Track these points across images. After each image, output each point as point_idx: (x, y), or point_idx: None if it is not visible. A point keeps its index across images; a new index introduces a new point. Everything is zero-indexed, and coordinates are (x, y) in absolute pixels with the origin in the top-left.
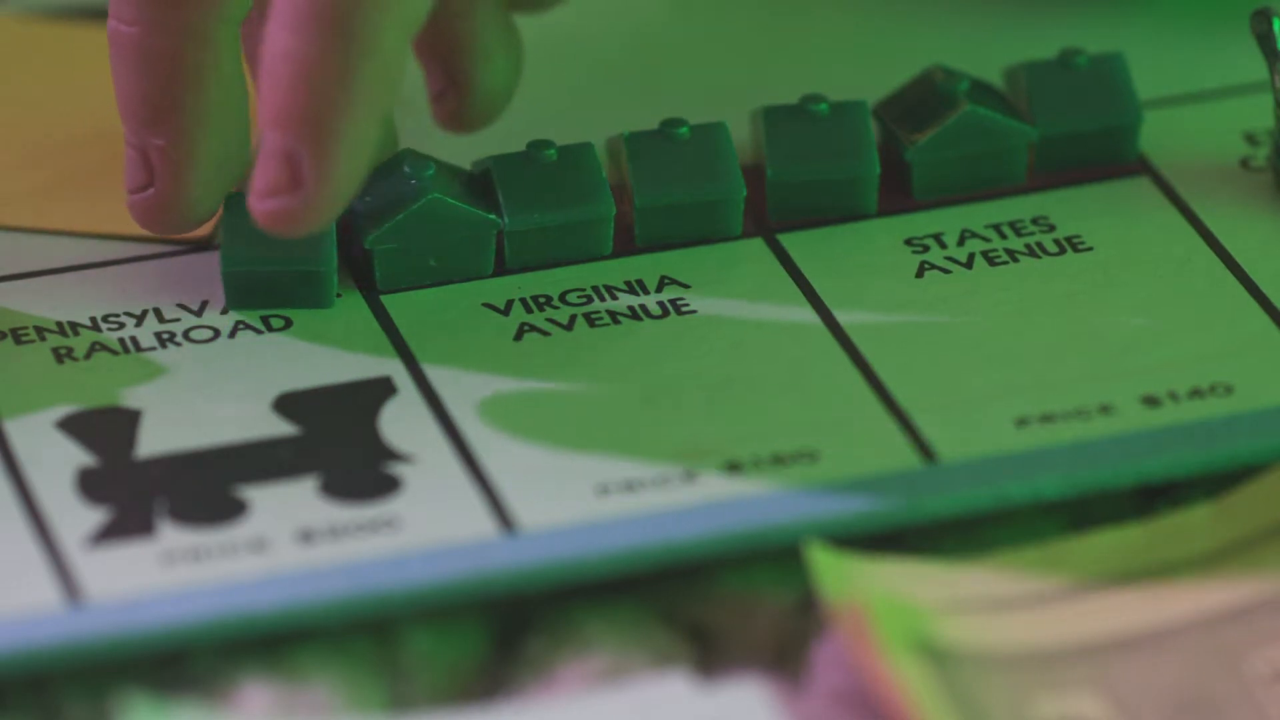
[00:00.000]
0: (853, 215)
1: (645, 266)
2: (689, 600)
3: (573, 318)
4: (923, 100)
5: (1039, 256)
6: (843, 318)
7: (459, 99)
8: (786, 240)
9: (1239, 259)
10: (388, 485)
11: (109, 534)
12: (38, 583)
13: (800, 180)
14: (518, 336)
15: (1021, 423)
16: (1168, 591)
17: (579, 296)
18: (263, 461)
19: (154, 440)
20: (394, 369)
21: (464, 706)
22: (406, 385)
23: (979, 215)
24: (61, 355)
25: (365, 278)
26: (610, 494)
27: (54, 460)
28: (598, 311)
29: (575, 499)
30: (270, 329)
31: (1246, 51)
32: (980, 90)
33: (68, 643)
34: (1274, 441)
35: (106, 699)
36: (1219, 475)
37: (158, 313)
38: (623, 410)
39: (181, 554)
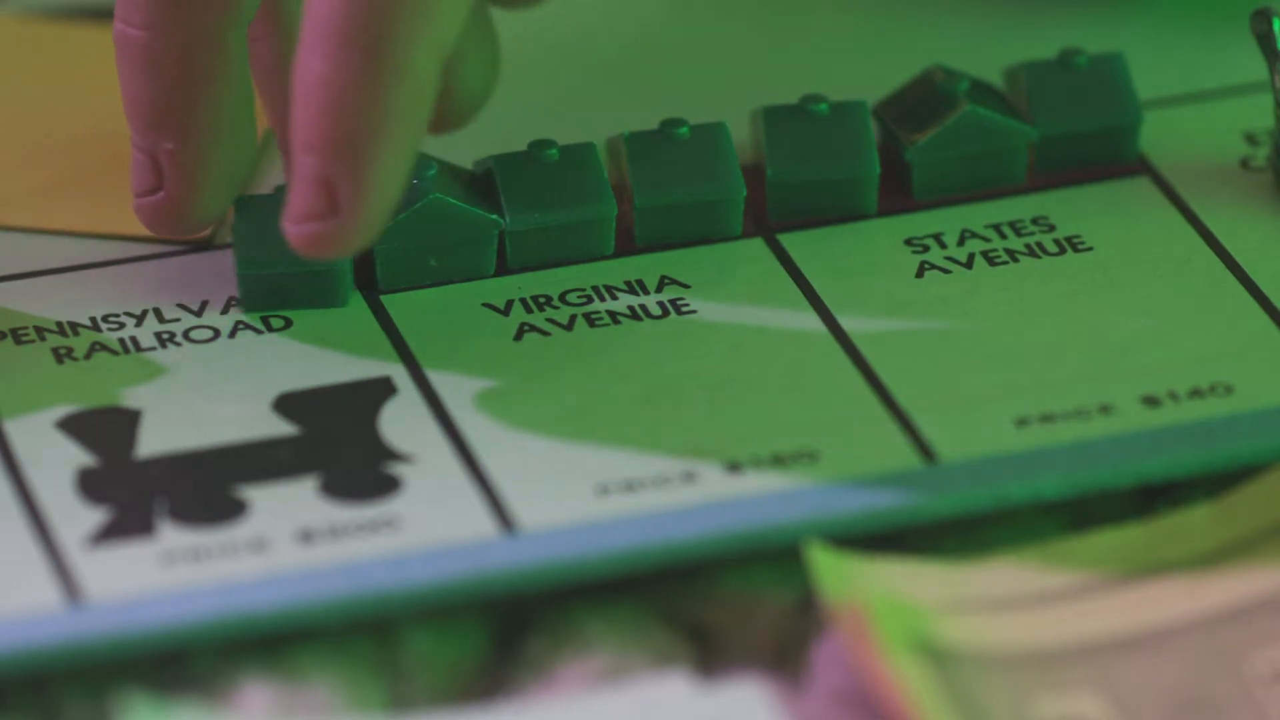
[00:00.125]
0: (853, 215)
1: (645, 266)
2: (689, 600)
3: (573, 318)
4: (923, 100)
5: (1039, 256)
6: (843, 318)
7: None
8: (786, 240)
9: (1239, 259)
10: (388, 485)
11: (109, 534)
12: (38, 583)
13: (800, 180)
14: (518, 336)
15: (1021, 423)
16: (1168, 591)
17: (579, 296)
18: (263, 461)
19: (154, 440)
20: (394, 369)
21: (464, 706)
22: (406, 385)
23: (979, 215)
24: (61, 355)
25: (367, 277)
26: (610, 494)
27: (54, 460)
28: (598, 311)
29: (575, 499)
30: (270, 329)
31: (1246, 51)
32: (980, 90)
33: (68, 643)
34: (1274, 441)
35: (106, 699)
36: (1219, 475)
37: (158, 313)
38: (623, 410)
39: (181, 554)
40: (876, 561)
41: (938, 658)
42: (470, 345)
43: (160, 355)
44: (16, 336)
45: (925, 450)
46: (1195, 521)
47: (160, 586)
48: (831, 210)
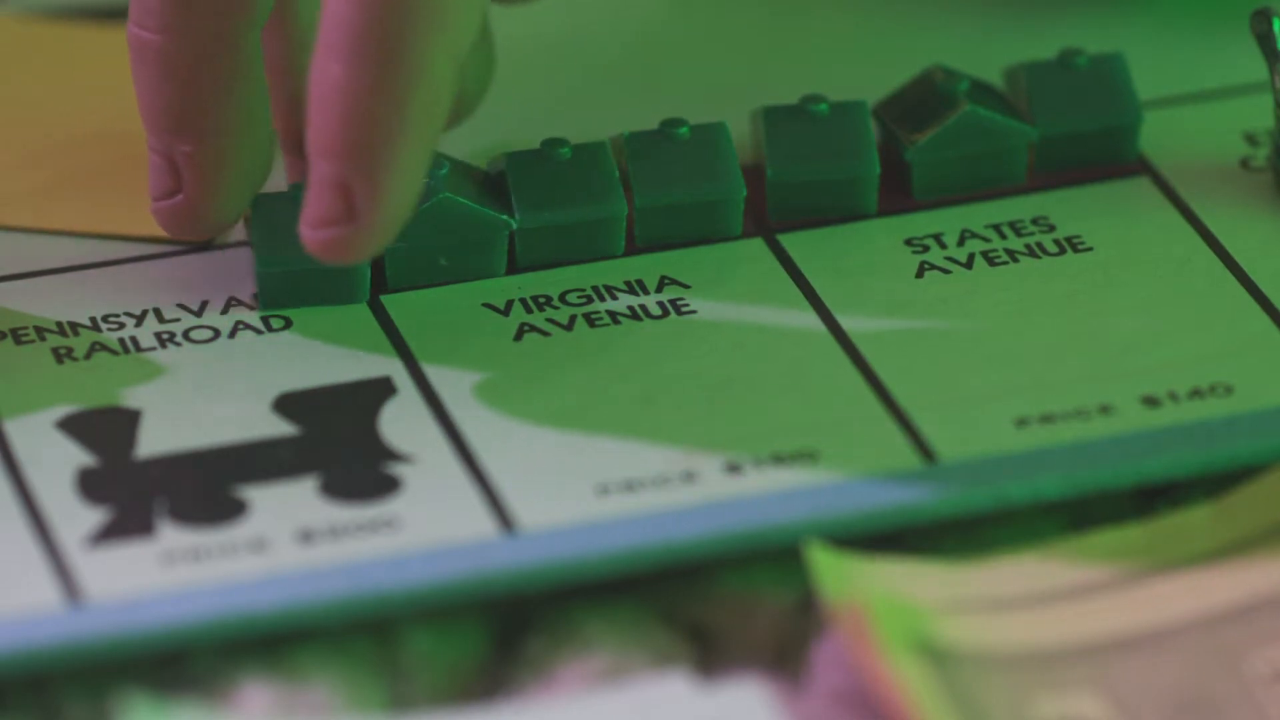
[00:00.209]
0: (853, 215)
1: (645, 266)
2: (689, 600)
3: (573, 318)
4: (923, 100)
5: (1039, 256)
6: (843, 318)
7: None
8: (786, 240)
9: (1239, 259)
10: (388, 485)
11: (109, 534)
12: (38, 583)
13: (800, 180)
14: (518, 337)
15: (1021, 423)
16: (1168, 591)
17: (579, 296)
18: (263, 461)
19: (154, 440)
20: (394, 369)
21: (464, 706)
22: (406, 385)
23: (979, 215)
24: (61, 355)
25: (377, 275)
26: (610, 494)
27: (54, 460)
28: (598, 311)
29: (575, 499)
30: (270, 329)
31: (1246, 51)
32: (980, 90)
33: (68, 643)
34: (1274, 441)
35: (106, 699)
36: (1219, 475)
37: (158, 313)
38: (623, 410)
39: (181, 554)
40: (876, 561)
41: (938, 658)
42: (470, 345)
43: (160, 355)
44: (16, 336)
45: (925, 450)
46: (1195, 521)
47: (160, 586)
48: (832, 210)
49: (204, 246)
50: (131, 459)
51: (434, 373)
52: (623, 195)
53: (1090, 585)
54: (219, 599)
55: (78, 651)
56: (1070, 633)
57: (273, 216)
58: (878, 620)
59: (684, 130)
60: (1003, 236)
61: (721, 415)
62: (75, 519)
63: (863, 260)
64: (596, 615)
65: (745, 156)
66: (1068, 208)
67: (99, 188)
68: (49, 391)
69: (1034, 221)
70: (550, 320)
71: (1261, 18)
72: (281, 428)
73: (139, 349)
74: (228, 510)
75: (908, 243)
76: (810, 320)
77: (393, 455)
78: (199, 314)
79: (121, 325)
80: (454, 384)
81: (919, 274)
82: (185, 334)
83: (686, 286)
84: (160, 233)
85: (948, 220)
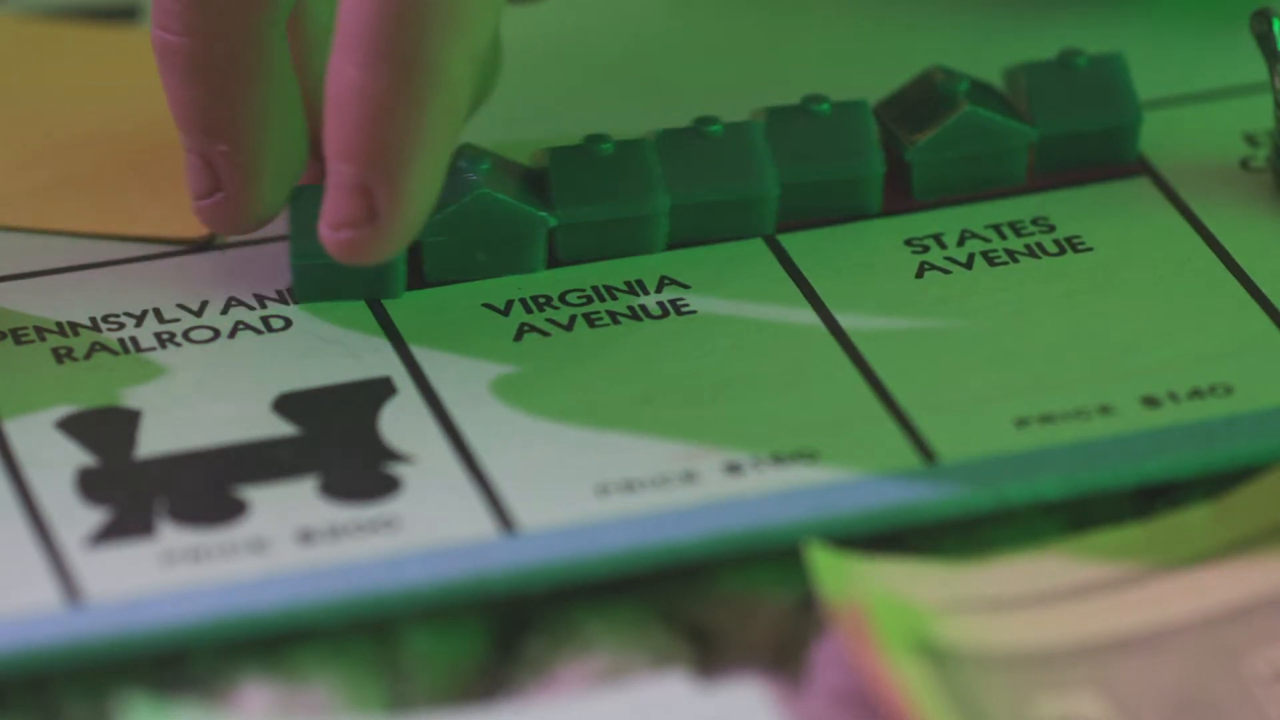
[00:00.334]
0: (857, 215)
1: (645, 266)
2: (689, 600)
3: (573, 318)
4: (923, 100)
5: (1039, 257)
6: (843, 318)
7: None
8: (786, 240)
9: (1239, 259)
10: (388, 485)
11: (109, 534)
12: (38, 583)
13: (805, 181)
14: (517, 337)
15: (1021, 423)
16: (1168, 591)
17: (579, 297)
18: (263, 461)
19: (154, 440)
20: (394, 369)
21: (464, 706)
22: (406, 385)
23: (979, 215)
24: (61, 355)
25: (415, 269)
26: (610, 494)
27: (54, 460)
28: (597, 311)
29: (575, 499)
30: (270, 329)
31: (1246, 51)
32: (980, 90)
33: (68, 643)
34: (1274, 441)
35: (106, 699)
36: (1219, 475)
37: (158, 313)
38: (623, 410)
39: (181, 554)
40: (876, 561)
41: (937, 658)
42: (470, 345)
43: (160, 355)
44: (16, 336)
45: (925, 450)
46: (1195, 521)
47: (160, 586)
48: (836, 210)
49: (204, 246)
50: (131, 459)
51: (434, 373)
52: (664, 192)
53: (1090, 585)
54: (219, 599)
55: (78, 651)
56: (1070, 633)
57: (310, 210)
58: (877, 620)
59: (717, 128)
60: (1002, 237)
61: (721, 415)
62: (75, 519)
63: (863, 260)
64: (596, 615)
65: None
66: (1067, 208)
67: (99, 188)
68: (49, 391)
69: (1034, 222)
70: (550, 320)
71: (1261, 18)
72: (281, 428)
73: (139, 349)
74: (228, 510)
75: (908, 243)
76: (810, 320)
77: (393, 455)
78: (199, 314)
79: (121, 325)
80: (454, 384)
81: (919, 274)
82: (185, 334)
83: (686, 286)
84: (160, 233)
85: (948, 220)
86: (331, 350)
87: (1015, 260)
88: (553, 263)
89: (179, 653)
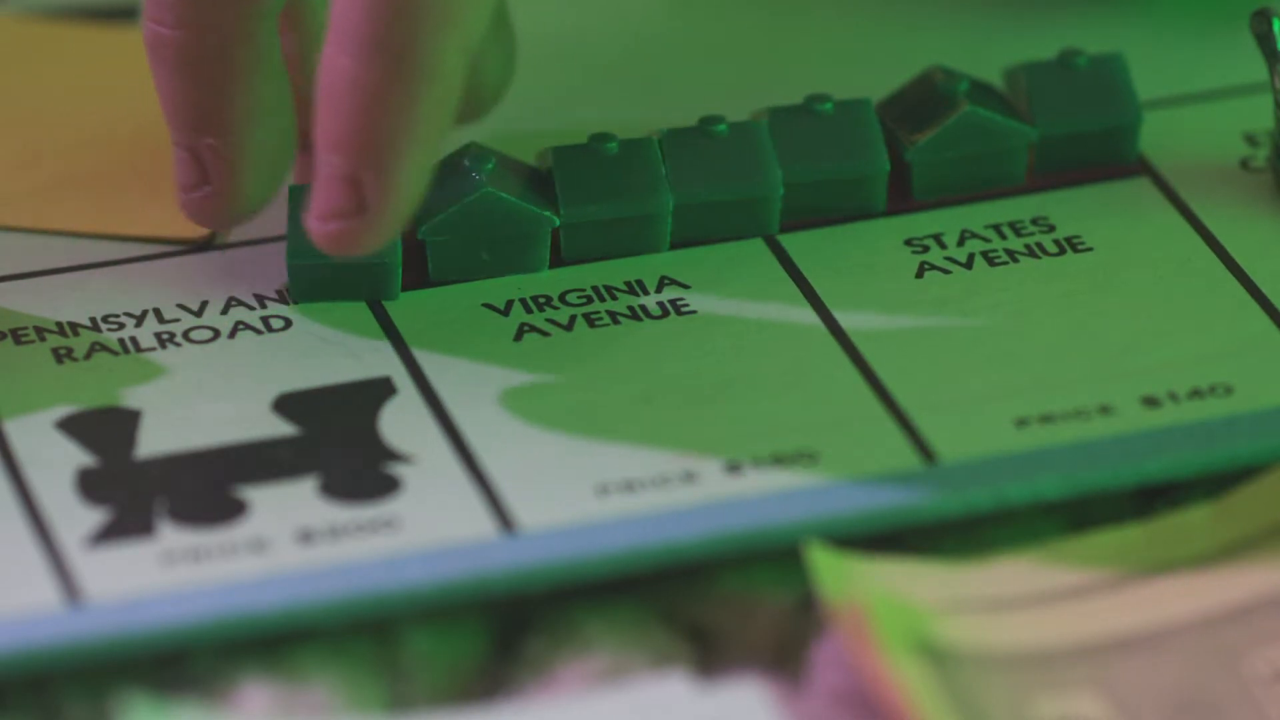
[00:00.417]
0: (862, 214)
1: (645, 266)
2: (689, 600)
3: (572, 318)
4: (923, 100)
5: (1039, 257)
6: (843, 318)
7: None
8: (786, 240)
9: (1239, 259)
10: (388, 485)
11: (109, 534)
12: (38, 583)
13: (810, 180)
14: (517, 337)
15: (1021, 423)
16: (1168, 591)
17: (579, 297)
18: (263, 461)
19: (154, 440)
20: (394, 369)
21: (464, 706)
22: (406, 385)
23: (979, 215)
24: (61, 355)
25: (420, 270)
26: (610, 494)
27: (54, 460)
28: (597, 312)
29: (575, 499)
30: (270, 329)
31: (1246, 51)
32: (980, 90)
33: (68, 643)
34: (1274, 441)
35: (106, 699)
36: (1219, 475)
37: (158, 313)
38: (623, 410)
39: (181, 554)
40: (876, 561)
41: (937, 658)
42: (470, 345)
43: (160, 355)
44: (16, 336)
45: (925, 450)
46: (1195, 521)
47: (160, 586)
48: (841, 209)
49: (204, 247)
50: (131, 459)
51: (434, 373)
52: (668, 191)
53: (1090, 585)
54: (219, 599)
55: (78, 651)
56: (1070, 633)
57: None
58: (877, 620)
59: (722, 128)
60: (1002, 237)
61: (721, 415)
62: (75, 519)
63: (863, 260)
64: (596, 615)
65: None
66: (1067, 208)
67: (99, 188)
68: (49, 391)
69: (1034, 221)
70: (550, 320)
71: (1261, 18)
72: (281, 428)
73: (139, 349)
74: (228, 510)
75: (908, 243)
76: (810, 320)
77: (393, 455)
78: (199, 314)
79: (121, 325)
80: (454, 384)
81: (919, 274)
82: (185, 334)
83: (686, 286)
84: (160, 233)
85: (948, 220)
86: (331, 350)
87: (1015, 260)
88: (556, 262)
89: (179, 653)
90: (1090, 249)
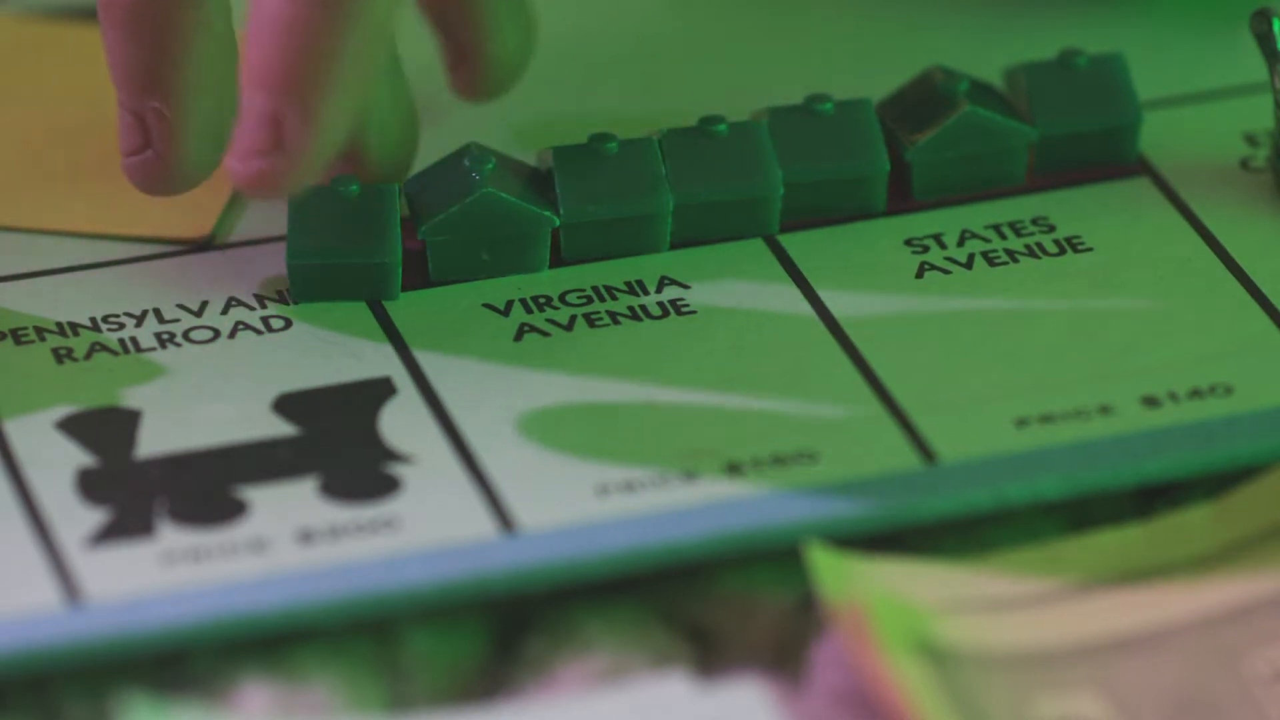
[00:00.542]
0: (862, 214)
1: (646, 266)
2: (689, 600)
3: (573, 318)
4: (923, 100)
5: (1039, 257)
6: (843, 318)
7: (471, 70)
8: (786, 240)
9: (1239, 259)
10: (388, 485)
11: (109, 534)
12: (38, 583)
13: (810, 180)
14: (518, 337)
15: (1021, 423)
16: (1168, 591)
17: (579, 297)
18: (263, 461)
19: (154, 440)
20: (394, 369)
21: (464, 706)
22: (406, 385)
23: (979, 215)
24: (61, 355)
25: (420, 270)
26: (610, 494)
27: (54, 460)
28: (597, 312)
29: (575, 499)
30: (270, 329)
31: (1246, 51)
32: (980, 90)
33: (68, 643)
34: (1274, 441)
35: (106, 699)
36: (1219, 475)
37: (158, 313)
38: (623, 410)
39: (181, 554)
40: (876, 561)
41: (937, 658)
42: (470, 345)
43: (160, 356)
44: (16, 336)
45: (925, 450)
46: (1195, 521)
47: (160, 586)
48: (841, 209)
49: (204, 247)
50: (131, 459)
51: (434, 373)
52: (668, 191)
53: (1090, 585)
54: (219, 599)
55: (78, 651)
56: (1070, 633)
57: (309, 210)
58: (877, 620)
59: (722, 128)
60: (1003, 237)
61: (721, 415)
62: (75, 519)
63: (863, 260)
64: (596, 615)
65: None
66: (1067, 208)
67: (99, 188)
68: (49, 391)
69: (1034, 222)
70: (550, 320)
71: (1261, 18)
72: (281, 428)
73: (139, 349)
74: (228, 510)
75: (908, 243)
76: (810, 320)
77: (393, 455)
78: (199, 314)
79: (121, 325)
80: (454, 384)
81: (919, 274)
82: (185, 334)
83: (686, 286)
84: (160, 233)
85: (948, 220)
86: (331, 350)
87: (1015, 260)
88: (556, 262)
89: (179, 653)
90: (1090, 249)
